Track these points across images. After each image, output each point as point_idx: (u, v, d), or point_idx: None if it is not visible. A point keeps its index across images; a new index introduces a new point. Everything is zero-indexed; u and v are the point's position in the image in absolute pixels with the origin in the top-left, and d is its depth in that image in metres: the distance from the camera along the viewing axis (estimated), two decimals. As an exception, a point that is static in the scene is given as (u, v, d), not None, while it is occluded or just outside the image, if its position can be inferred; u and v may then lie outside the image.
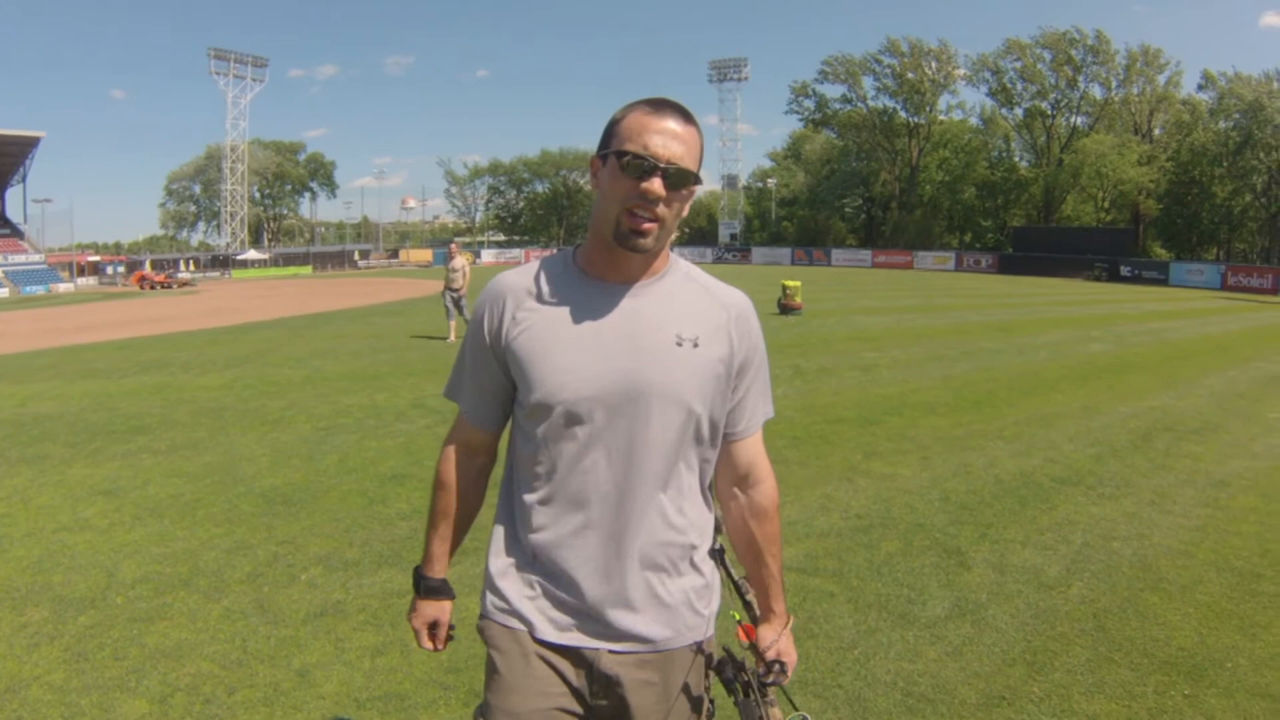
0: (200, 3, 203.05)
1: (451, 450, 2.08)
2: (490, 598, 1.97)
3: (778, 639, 2.03)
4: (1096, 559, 5.58)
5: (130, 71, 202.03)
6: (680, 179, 1.78)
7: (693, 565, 1.95)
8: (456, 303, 18.68)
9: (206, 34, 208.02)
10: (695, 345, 1.87)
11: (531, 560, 1.92)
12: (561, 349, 1.85)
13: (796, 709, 1.94)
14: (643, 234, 1.79)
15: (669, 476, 1.89)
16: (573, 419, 1.84)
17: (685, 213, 1.88)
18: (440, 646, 2.15)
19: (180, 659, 4.28)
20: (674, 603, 1.90)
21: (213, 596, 5.04)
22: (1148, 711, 3.78)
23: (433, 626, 2.13)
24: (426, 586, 2.11)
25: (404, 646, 4.28)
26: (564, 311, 1.88)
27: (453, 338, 18.74)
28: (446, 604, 2.13)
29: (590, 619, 1.87)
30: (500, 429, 2.07)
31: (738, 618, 2.07)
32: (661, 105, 1.82)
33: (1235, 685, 4.01)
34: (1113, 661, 4.22)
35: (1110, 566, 5.46)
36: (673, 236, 1.87)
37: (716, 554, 2.03)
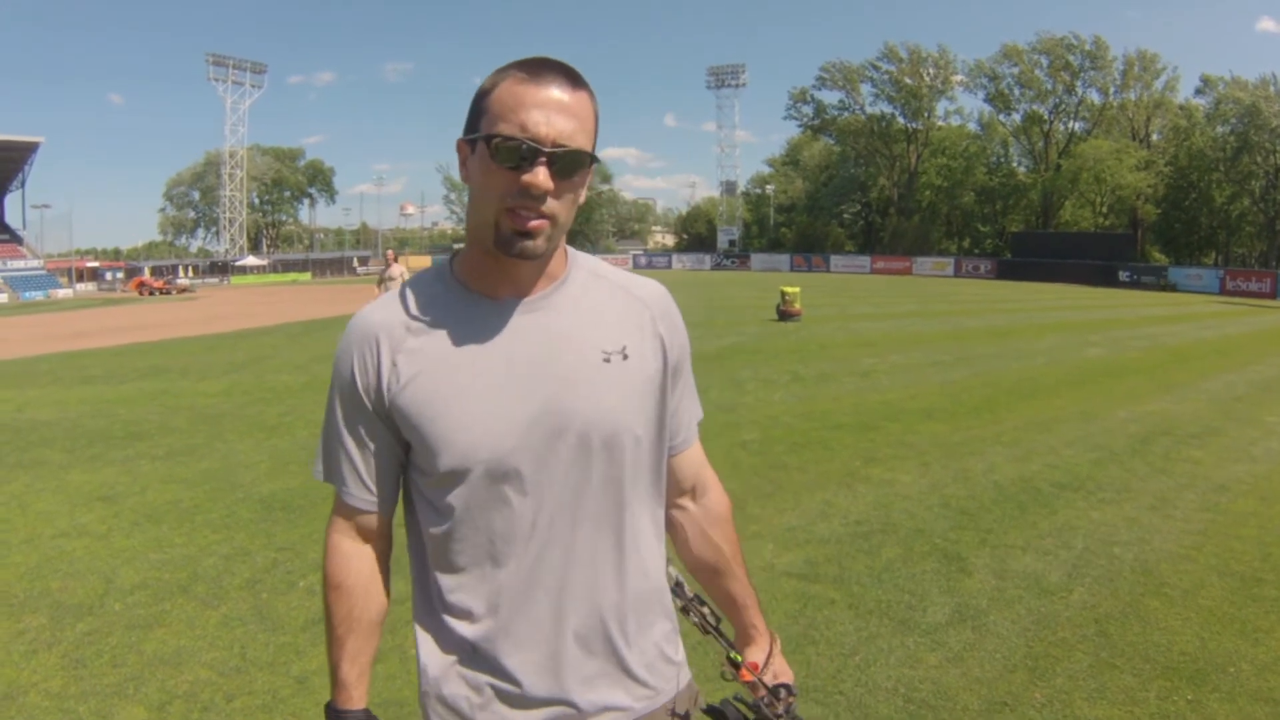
0: (199, 8, 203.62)
1: (339, 543, 1.62)
2: (435, 709, 1.58)
3: (769, 659, 1.78)
4: (1097, 564, 5.57)
5: (129, 77, 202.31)
6: (571, 163, 1.41)
7: (662, 610, 1.65)
8: None
9: (205, 40, 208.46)
10: (625, 357, 1.54)
11: (472, 654, 1.53)
12: (465, 395, 1.46)
13: None
14: (530, 235, 1.41)
15: (623, 520, 1.55)
16: (495, 480, 1.46)
17: (582, 199, 1.50)
18: None
19: (178, 666, 4.27)
20: (649, 660, 1.60)
21: (211, 603, 5.03)
22: (1150, 717, 3.77)
23: None
24: None
25: (402, 654, 4.26)
26: (456, 345, 1.48)
27: None
28: None
29: (557, 705, 1.53)
30: (394, 505, 1.63)
31: (739, 659, 1.75)
32: (539, 68, 1.41)
33: (1238, 690, 3.99)
34: (1115, 667, 4.21)
35: (1111, 571, 5.45)
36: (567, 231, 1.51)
37: (676, 589, 1.75)
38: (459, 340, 1.49)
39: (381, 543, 1.65)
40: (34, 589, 5.27)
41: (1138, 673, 4.15)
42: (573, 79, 1.42)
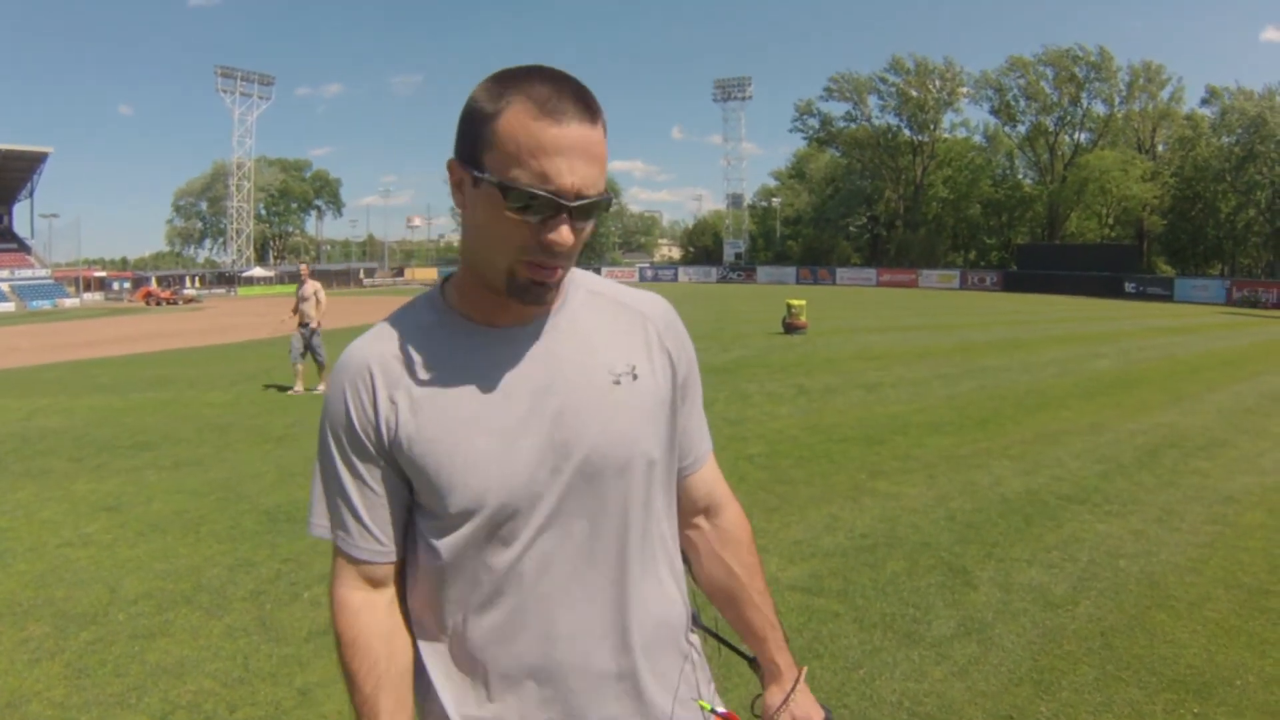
0: (208, 21, 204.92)
1: (348, 599, 1.45)
2: None
3: (789, 699, 1.63)
4: (1104, 577, 5.54)
5: (138, 88, 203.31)
6: (591, 212, 1.29)
7: (688, 641, 1.56)
8: (308, 341, 14.26)
9: (214, 52, 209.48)
10: (635, 377, 1.44)
11: (472, 700, 1.43)
12: (473, 432, 1.36)
13: None
14: (546, 286, 1.32)
15: (644, 550, 1.46)
16: (507, 519, 1.36)
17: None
18: None
19: (181, 676, 4.26)
20: (682, 696, 1.50)
21: (215, 614, 5.03)
22: (1157, 731, 3.75)
23: None
24: None
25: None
26: (458, 378, 1.38)
27: (300, 387, 14.25)
28: None
29: None
30: (402, 549, 1.48)
31: (707, 708, 1.54)
32: (556, 101, 1.24)
33: (1245, 703, 3.97)
34: (1121, 680, 4.19)
35: (1117, 584, 5.42)
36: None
37: (694, 620, 1.63)
38: (460, 373, 1.38)
39: (394, 586, 1.49)
40: (38, 598, 5.28)
41: (1144, 686, 4.13)
42: (590, 108, 1.27)
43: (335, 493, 1.44)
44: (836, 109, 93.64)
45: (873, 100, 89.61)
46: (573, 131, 1.23)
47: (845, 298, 50.08)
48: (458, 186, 1.33)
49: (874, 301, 46.38)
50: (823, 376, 15.38)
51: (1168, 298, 53.23)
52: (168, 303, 62.44)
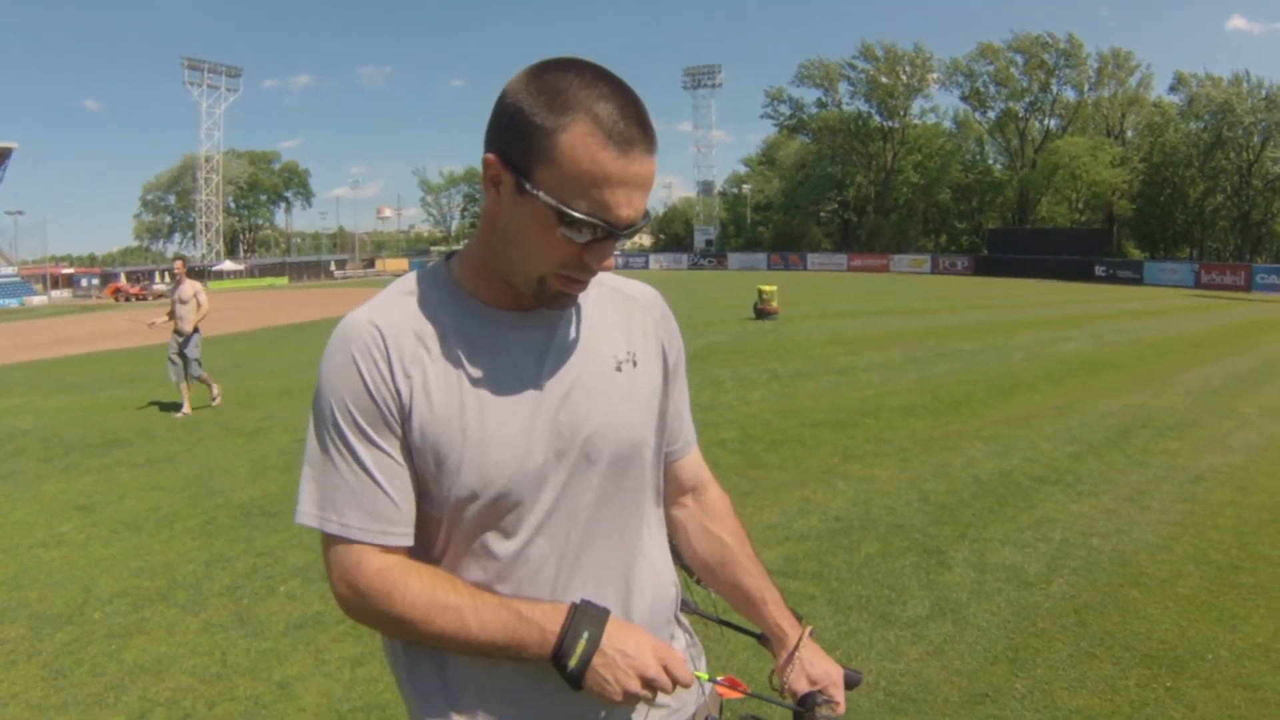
0: (173, 13, 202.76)
1: (391, 576, 1.32)
2: None
3: (796, 657, 1.56)
4: (1076, 555, 5.61)
5: (104, 82, 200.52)
6: (635, 230, 1.28)
7: (678, 621, 1.58)
8: (182, 352, 11.87)
9: (180, 44, 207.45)
10: (634, 364, 1.46)
11: (474, 689, 1.38)
12: (485, 414, 1.32)
13: None
14: (573, 297, 1.34)
15: (637, 532, 1.47)
16: (515, 505, 1.34)
17: None
18: (688, 675, 1.36)
19: (159, 673, 4.24)
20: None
21: (191, 610, 5.00)
22: (1130, 705, 3.80)
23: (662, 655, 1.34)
24: (589, 624, 1.31)
25: (383, 657, 4.26)
26: (469, 359, 1.34)
27: (188, 409, 11.82)
28: (634, 627, 1.37)
29: None
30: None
31: (705, 678, 1.48)
32: (622, 124, 1.21)
33: (1216, 676, 4.03)
34: (1094, 656, 4.24)
35: (1090, 563, 5.49)
36: None
37: (686, 605, 1.67)
38: (472, 354, 1.34)
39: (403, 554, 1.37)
40: (12, 599, 5.23)
41: (1117, 661, 4.19)
42: (652, 135, 1.25)
43: (352, 475, 1.32)
44: (808, 95, 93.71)
45: (843, 87, 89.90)
46: (637, 165, 1.22)
47: (816, 283, 50.20)
48: (494, 183, 1.27)
49: (845, 287, 46.50)
50: (794, 361, 15.45)
51: (1137, 281, 53.66)
52: (137, 299, 61.94)
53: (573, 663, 1.29)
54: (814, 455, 8.38)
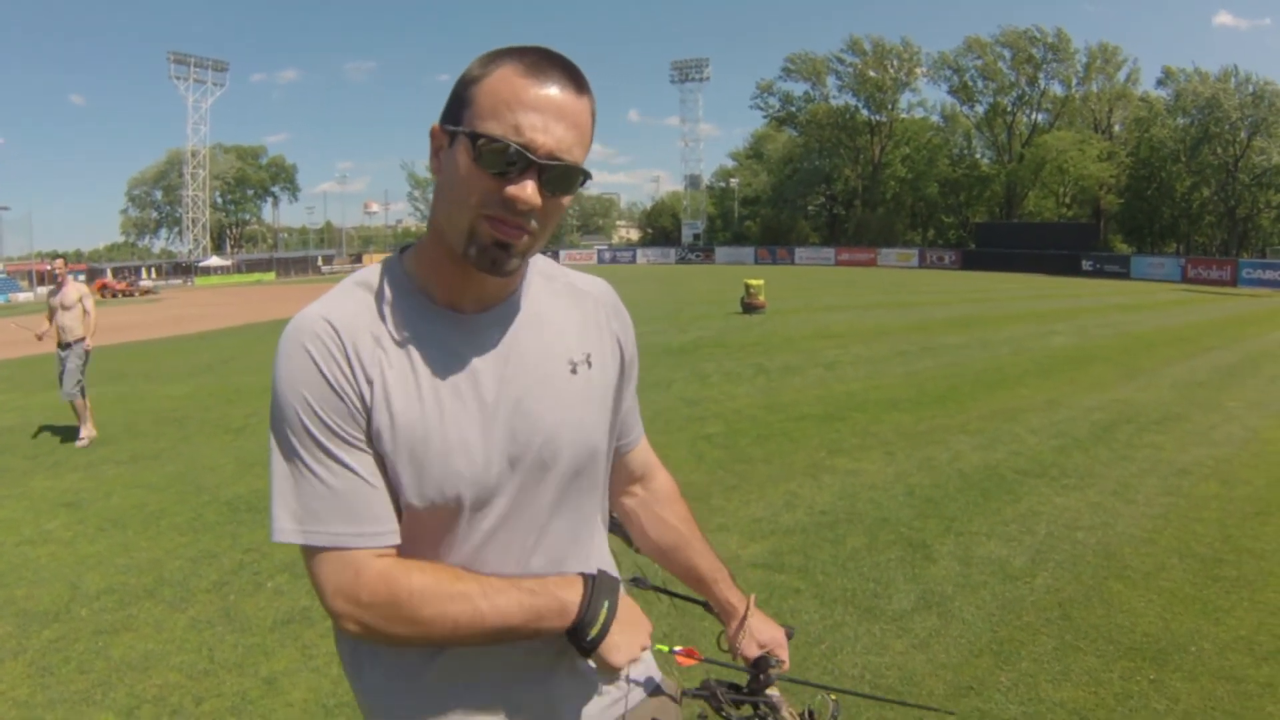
0: (160, 7, 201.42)
1: (388, 569, 1.27)
2: None
3: (745, 625, 1.68)
4: (1061, 549, 5.64)
5: (90, 76, 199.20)
6: (565, 179, 1.24)
7: None
8: (66, 365, 9.94)
9: (167, 38, 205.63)
10: (589, 364, 1.44)
11: (426, 693, 1.37)
12: (445, 420, 1.29)
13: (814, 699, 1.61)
14: (508, 248, 1.25)
15: (588, 529, 1.49)
16: (469, 511, 1.32)
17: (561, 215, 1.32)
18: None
19: (147, 670, 4.24)
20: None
21: (178, 606, 5.00)
22: (1114, 697, 3.83)
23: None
24: (608, 594, 1.37)
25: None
26: (427, 363, 1.30)
27: (89, 430, 9.84)
28: (627, 598, 1.45)
29: None
30: None
31: (665, 649, 1.60)
32: (541, 63, 1.22)
33: (1199, 669, 4.06)
34: (1079, 649, 4.27)
35: (1075, 556, 5.52)
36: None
37: (639, 582, 1.76)
38: (427, 357, 1.30)
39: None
40: (-3, 596, 5.22)
41: (1101, 654, 4.21)
42: (578, 81, 1.25)
43: (331, 477, 1.25)
44: (796, 88, 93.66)
45: (831, 80, 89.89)
46: (554, 92, 1.21)
47: (804, 277, 50.21)
48: (435, 153, 1.28)
49: (833, 281, 46.53)
50: (781, 356, 15.47)
51: (1124, 275, 53.77)
52: (123, 295, 61.53)
53: (594, 631, 1.32)
54: (800, 449, 8.40)
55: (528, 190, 1.20)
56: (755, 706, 1.57)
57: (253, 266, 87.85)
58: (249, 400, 12.23)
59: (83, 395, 9.87)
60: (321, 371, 1.24)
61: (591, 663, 1.36)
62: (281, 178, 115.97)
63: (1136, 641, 4.35)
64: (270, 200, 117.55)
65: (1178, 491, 6.89)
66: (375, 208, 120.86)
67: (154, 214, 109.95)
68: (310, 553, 1.27)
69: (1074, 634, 4.44)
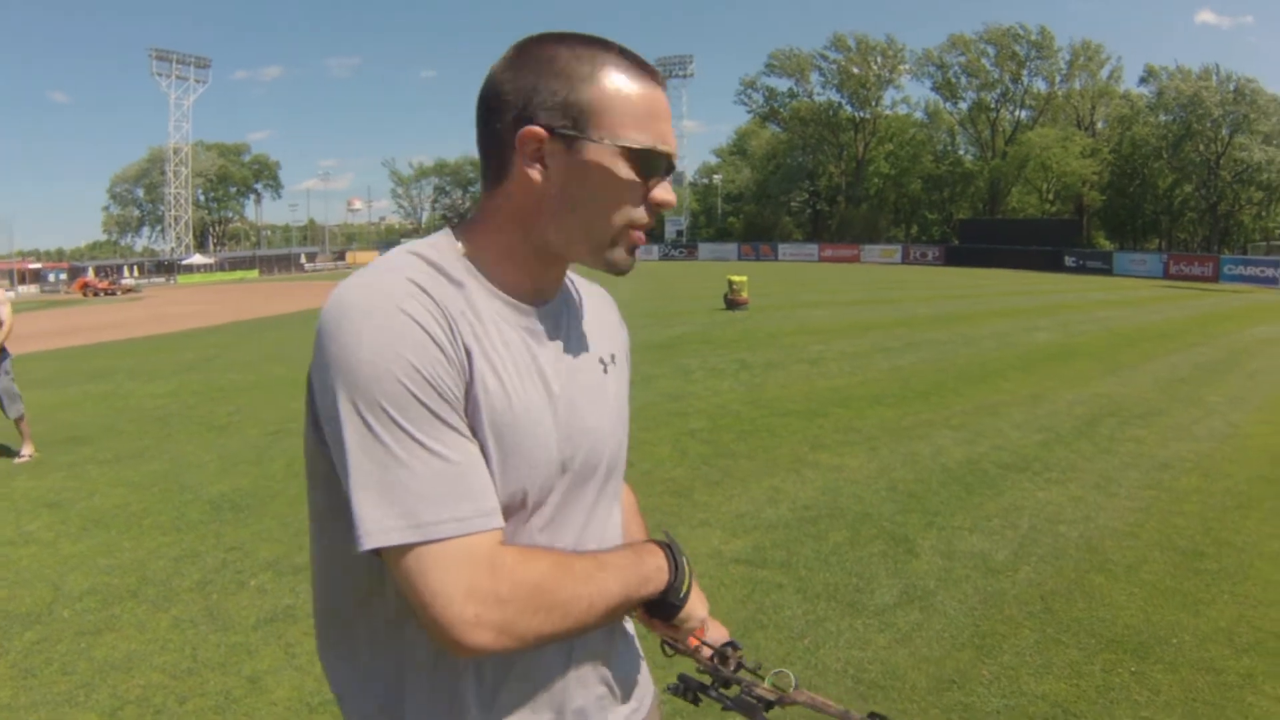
0: (142, 3, 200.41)
1: (505, 561, 1.09)
2: None
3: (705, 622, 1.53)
4: (1043, 542, 5.67)
5: (71, 74, 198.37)
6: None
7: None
8: None
9: (148, 35, 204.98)
10: (614, 362, 1.40)
11: (457, 710, 1.22)
12: (526, 407, 1.19)
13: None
14: (634, 249, 1.26)
15: (605, 538, 1.37)
16: (527, 511, 1.22)
17: None
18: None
19: (130, 670, 4.22)
20: (632, 674, 1.44)
21: (161, 606, 4.98)
22: (1095, 689, 3.85)
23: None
24: (683, 556, 1.35)
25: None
26: (504, 343, 1.20)
27: (29, 453, 8.86)
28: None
29: None
30: None
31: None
32: (642, 64, 1.21)
33: (1180, 660, 4.09)
34: (1060, 642, 4.30)
35: (1057, 549, 5.55)
36: None
37: None
38: (507, 341, 1.21)
39: None
40: (-22, 596, 5.19)
41: (1083, 647, 4.24)
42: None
43: (450, 451, 1.09)
44: (780, 84, 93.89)
45: (814, 77, 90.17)
46: (665, 96, 1.23)
47: (787, 273, 50.25)
48: (535, 158, 1.18)
49: (816, 277, 46.56)
50: (764, 351, 15.48)
51: (1107, 271, 54.03)
52: (105, 293, 61.18)
53: (685, 591, 1.33)
54: (783, 444, 8.42)
55: (669, 193, 1.23)
56: (740, 684, 1.50)
57: (235, 264, 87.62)
58: (233, 398, 12.18)
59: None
60: (427, 331, 1.09)
61: (673, 622, 1.36)
62: (264, 175, 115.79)
63: (1118, 634, 4.37)
64: (253, 198, 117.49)
65: (1159, 485, 6.93)
66: (359, 205, 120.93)
67: (136, 212, 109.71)
68: (419, 555, 1.06)
69: (1056, 627, 4.47)
